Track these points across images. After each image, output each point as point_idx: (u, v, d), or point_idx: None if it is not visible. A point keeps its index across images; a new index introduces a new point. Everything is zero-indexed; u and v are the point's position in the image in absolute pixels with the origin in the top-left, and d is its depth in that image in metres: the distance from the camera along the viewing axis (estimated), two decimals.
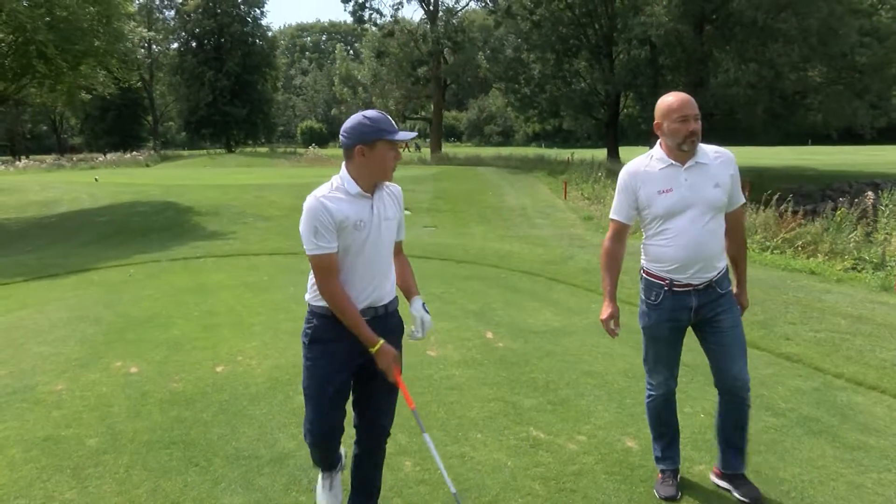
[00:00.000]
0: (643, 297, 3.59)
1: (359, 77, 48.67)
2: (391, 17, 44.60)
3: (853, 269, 10.18)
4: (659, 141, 3.45)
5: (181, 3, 62.05)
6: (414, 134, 3.23)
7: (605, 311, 3.57)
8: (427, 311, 3.19)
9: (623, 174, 3.50)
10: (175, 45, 65.05)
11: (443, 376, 5.49)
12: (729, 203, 3.47)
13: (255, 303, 8.09)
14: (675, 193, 3.36)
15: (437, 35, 42.11)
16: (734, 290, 3.65)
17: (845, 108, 31.54)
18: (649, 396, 3.75)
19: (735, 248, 3.64)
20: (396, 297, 3.19)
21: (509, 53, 39.08)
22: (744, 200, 3.61)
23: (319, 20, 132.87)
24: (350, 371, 3.07)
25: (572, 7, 35.51)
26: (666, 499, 3.61)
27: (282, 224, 15.54)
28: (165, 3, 64.96)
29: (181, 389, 5.33)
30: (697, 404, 4.85)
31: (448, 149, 52.00)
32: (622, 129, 40.91)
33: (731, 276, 3.67)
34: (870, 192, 12.64)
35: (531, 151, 47.38)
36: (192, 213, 17.18)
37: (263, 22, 68.30)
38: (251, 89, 61.26)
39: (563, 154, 39.48)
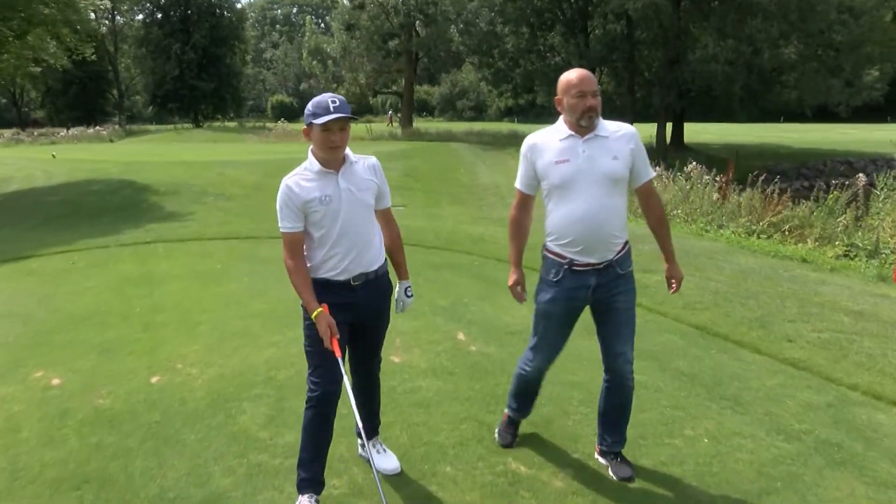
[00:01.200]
0: (542, 274, 3.63)
1: (328, 50, 47.30)
2: None
3: (845, 255, 9.68)
4: (560, 116, 3.48)
5: None
6: (332, 116, 3.15)
7: (511, 278, 3.71)
8: (410, 296, 3.63)
9: (524, 145, 3.57)
10: (140, 17, 62.98)
11: (407, 389, 4.83)
12: (634, 178, 3.49)
13: (204, 296, 7.35)
14: (571, 164, 3.38)
15: (409, 7, 41.01)
16: (664, 265, 3.68)
17: (820, 85, 31.16)
18: (522, 371, 3.87)
19: (653, 220, 3.64)
20: (386, 260, 3.51)
21: (483, 27, 38.07)
22: (652, 175, 3.57)
23: None
24: (345, 330, 3.35)
25: None
26: (504, 446, 4.00)
27: (244, 204, 14.75)
28: None
29: (107, 407, 4.63)
30: (700, 425, 4.25)
31: (420, 124, 50.89)
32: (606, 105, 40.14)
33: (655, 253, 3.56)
34: (861, 175, 12.10)
35: (504, 127, 46.44)
36: (150, 193, 16.26)
37: None
38: (219, 63, 59.38)
39: (538, 129, 38.69)
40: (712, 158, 22.95)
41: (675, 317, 6.55)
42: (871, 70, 36.80)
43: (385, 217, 3.52)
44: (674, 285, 3.66)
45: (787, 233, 11.20)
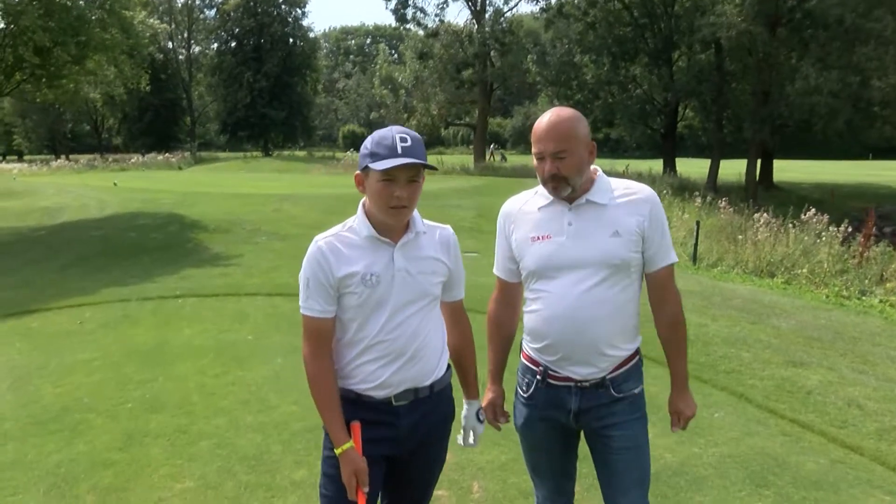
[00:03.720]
0: (517, 384, 2.67)
1: (399, 79, 46.24)
2: (435, 16, 42.24)
3: None
4: None
5: (221, 2, 60.35)
6: (399, 162, 2.16)
7: (487, 396, 2.74)
8: (482, 421, 2.65)
9: (499, 214, 2.66)
10: (215, 45, 63.50)
11: None
12: (646, 262, 2.47)
13: (220, 386, 5.61)
14: (552, 242, 2.46)
15: (484, 36, 39.60)
16: (671, 392, 2.60)
17: None
18: None
19: (664, 325, 2.56)
20: (449, 371, 2.50)
21: (561, 56, 36.26)
22: (673, 260, 2.51)
23: (364, 24, 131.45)
24: (379, 466, 2.37)
25: (630, 7, 32.66)
26: None
27: (297, 246, 13.05)
28: (206, 2, 63.43)
29: None
30: None
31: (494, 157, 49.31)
32: (681, 139, 38.09)
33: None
34: None
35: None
36: (198, 230, 14.87)
37: (304, 23, 66.18)
38: (290, 91, 59.19)
39: (617, 165, 36.74)
40: (804, 199, 20.79)
41: (858, 448, 4.47)
42: None
43: (453, 311, 2.56)
44: (680, 422, 2.61)
45: None
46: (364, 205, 2.35)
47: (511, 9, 43.58)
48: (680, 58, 34.82)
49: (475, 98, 43.95)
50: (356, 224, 2.35)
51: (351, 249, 2.31)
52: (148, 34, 21.86)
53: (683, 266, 12.42)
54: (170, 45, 63.22)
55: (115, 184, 25.50)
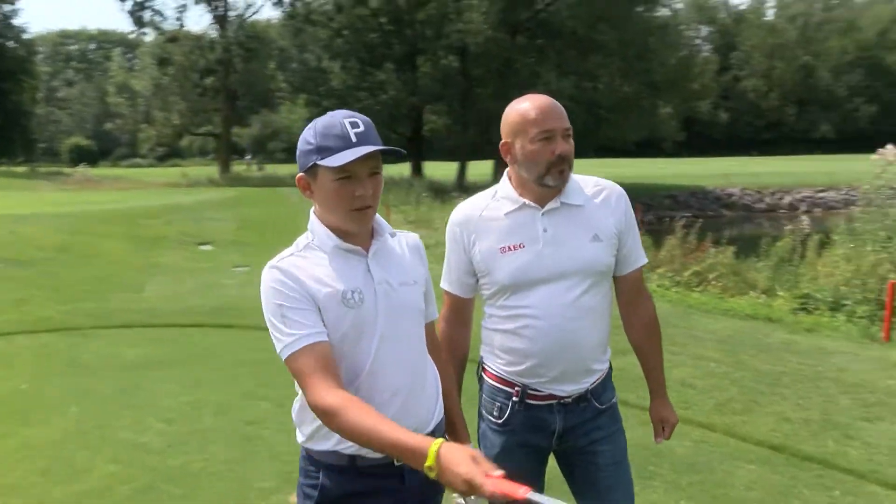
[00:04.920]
0: (482, 409, 2.35)
1: (137, 88, 43.32)
2: (176, 19, 40.11)
3: (802, 309, 8.42)
4: (506, 171, 2.28)
5: None
6: (362, 150, 1.75)
7: None
8: None
9: (450, 223, 2.31)
10: None
11: None
12: (621, 263, 2.28)
13: (3, 454, 4.58)
14: (527, 252, 2.17)
15: (228, 41, 38.16)
16: (652, 400, 2.45)
17: (646, 121, 32.02)
18: None
19: (639, 330, 2.39)
20: (444, 415, 2.03)
21: (309, 62, 35.93)
22: (645, 261, 2.35)
23: (86, 27, 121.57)
24: None
25: (377, 14, 33.13)
26: None
27: (47, 272, 11.53)
28: None
29: None
30: None
31: (236, 167, 47.70)
32: (428, 143, 39.26)
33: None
34: (804, 218, 11.06)
35: None
36: None
37: (16, 22, 59.58)
38: (5, 99, 53.03)
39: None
40: None
41: (710, 425, 4.71)
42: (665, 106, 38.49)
43: (428, 335, 2.06)
44: (665, 431, 2.44)
45: (710, 283, 9.94)
46: (315, 214, 1.91)
47: (254, 14, 42.15)
48: (425, 63, 35.95)
49: (219, 106, 42.32)
50: (314, 239, 1.89)
51: (318, 267, 1.84)
52: None
53: None
54: None
55: None
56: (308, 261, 1.84)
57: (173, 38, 39.47)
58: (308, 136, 1.83)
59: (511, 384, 2.27)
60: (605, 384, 2.32)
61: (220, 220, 18.50)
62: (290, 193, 26.41)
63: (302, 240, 1.91)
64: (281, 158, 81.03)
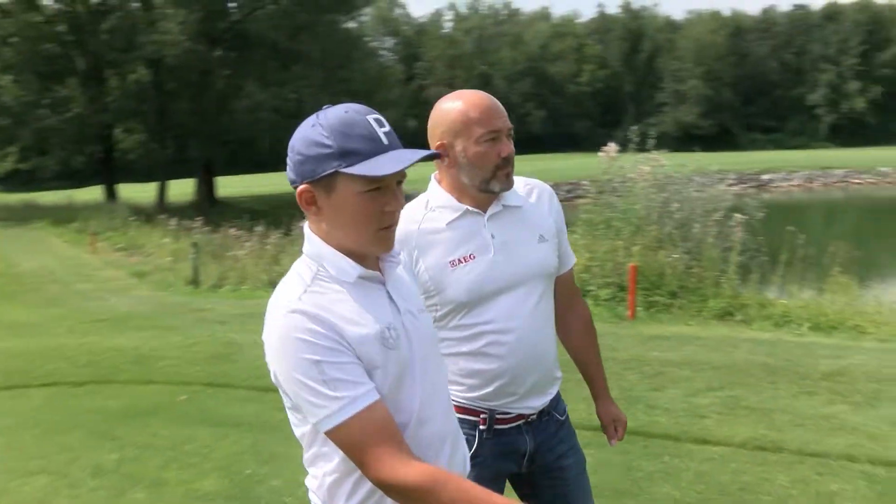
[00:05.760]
0: None
1: None
2: None
3: (728, 315, 8.08)
4: (433, 175, 2.15)
5: None
6: (405, 158, 1.44)
7: None
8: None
9: None
10: None
11: None
12: (559, 263, 2.21)
13: None
14: (480, 262, 2.03)
15: None
16: (599, 402, 2.37)
17: None
18: None
19: (580, 334, 2.35)
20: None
21: None
22: (575, 259, 2.34)
23: None
24: None
25: (53, 22, 30.02)
26: None
27: None
28: None
29: None
30: None
31: None
32: (127, 163, 36.54)
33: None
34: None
35: (13, 198, 39.40)
36: None
37: None
38: None
39: (44, 198, 34.02)
40: (255, 213, 21.52)
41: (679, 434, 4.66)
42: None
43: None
44: (618, 431, 2.35)
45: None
46: (316, 232, 1.54)
47: None
48: (113, 77, 33.30)
49: None
50: (330, 268, 1.51)
51: (341, 304, 1.47)
52: None
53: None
54: None
55: None
56: (327, 297, 1.47)
57: None
58: (316, 135, 1.43)
59: (475, 412, 2.10)
60: (558, 394, 2.25)
61: None
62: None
63: (304, 270, 1.52)
64: None
